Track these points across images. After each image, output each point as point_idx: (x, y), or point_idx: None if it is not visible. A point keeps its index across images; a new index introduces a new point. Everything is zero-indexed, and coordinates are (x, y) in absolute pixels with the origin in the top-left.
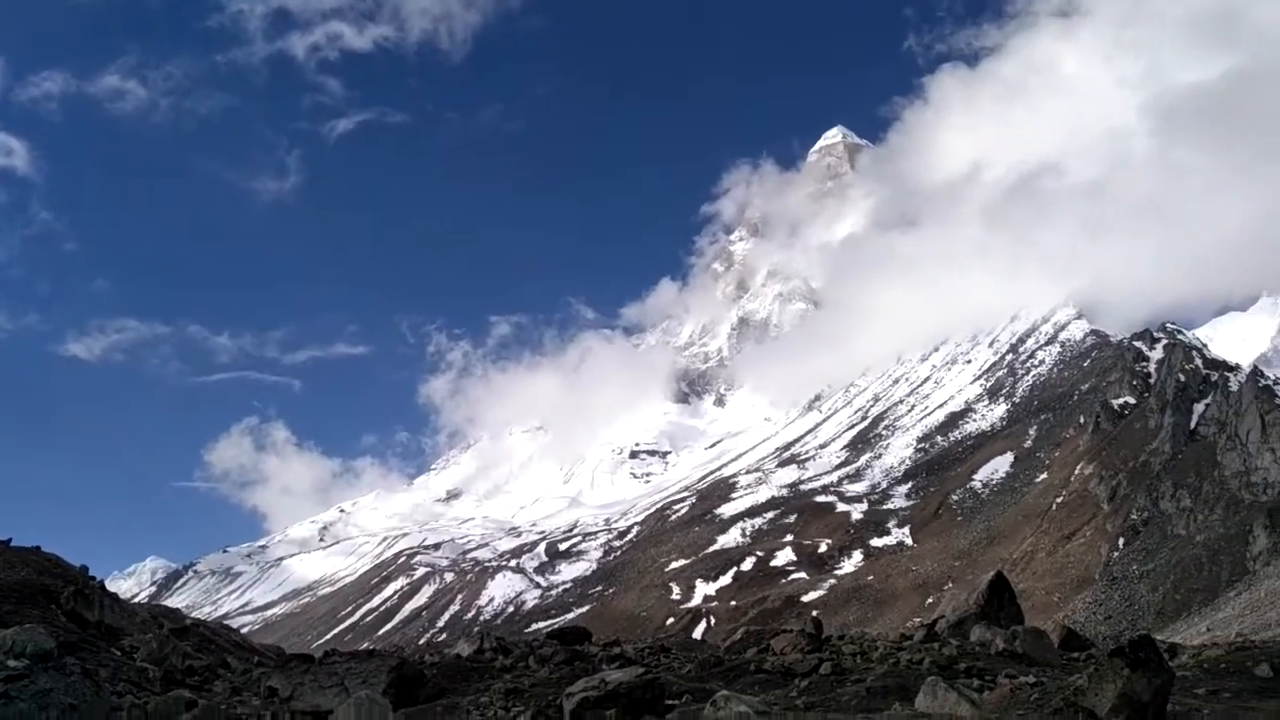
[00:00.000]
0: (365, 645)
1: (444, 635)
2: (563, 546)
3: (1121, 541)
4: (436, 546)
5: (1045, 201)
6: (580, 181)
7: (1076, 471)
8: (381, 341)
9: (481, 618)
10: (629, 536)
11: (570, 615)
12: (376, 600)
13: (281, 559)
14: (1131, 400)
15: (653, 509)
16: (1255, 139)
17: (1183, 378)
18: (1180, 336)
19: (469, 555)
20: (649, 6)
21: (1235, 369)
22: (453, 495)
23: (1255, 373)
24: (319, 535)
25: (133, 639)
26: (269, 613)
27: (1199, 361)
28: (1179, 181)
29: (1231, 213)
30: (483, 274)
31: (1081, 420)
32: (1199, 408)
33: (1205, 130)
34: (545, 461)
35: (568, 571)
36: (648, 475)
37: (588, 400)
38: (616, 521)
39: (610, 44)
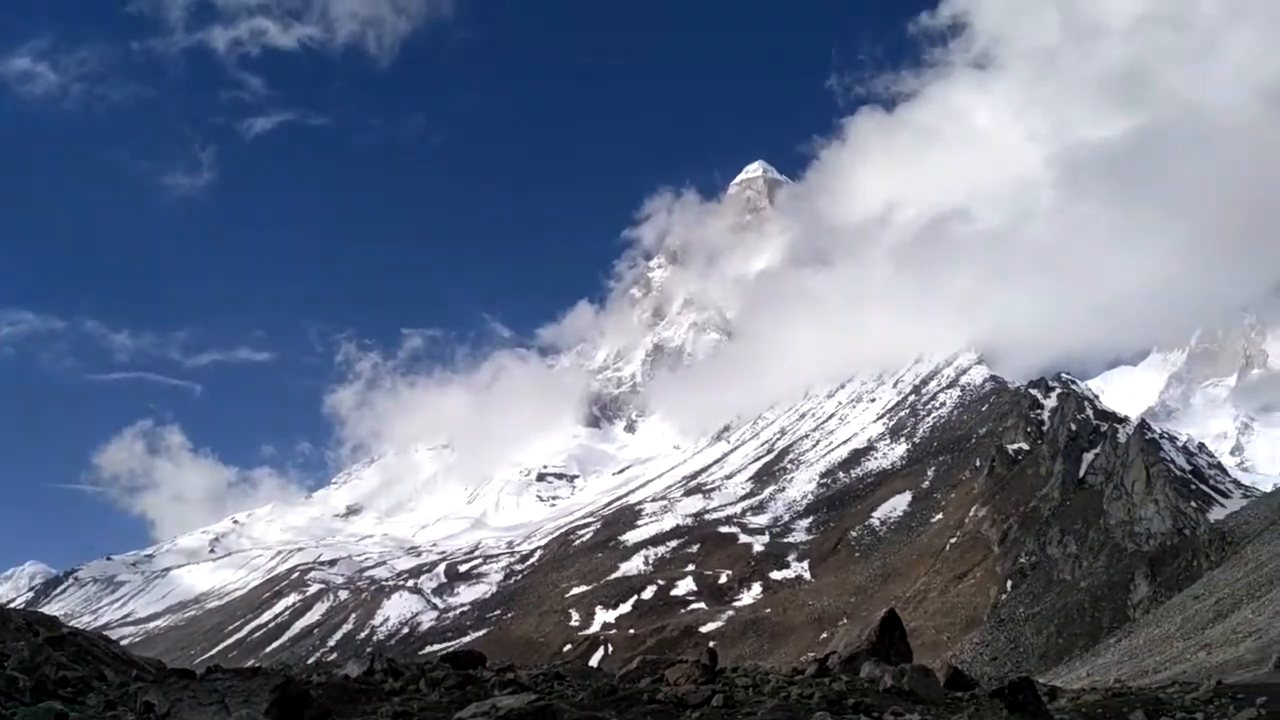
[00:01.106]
0: (251, 662)
1: (334, 655)
2: (463, 568)
3: (1010, 584)
4: (332, 563)
5: (953, 247)
6: (502, 198)
7: (971, 513)
8: (288, 348)
9: (375, 638)
10: (531, 560)
11: (467, 639)
12: (266, 616)
13: (169, 569)
14: (1025, 446)
15: (557, 533)
16: (1154, 198)
17: (1074, 427)
18: (1074, 386)
19: (365, 573)
20: (581, 29)
21: (1124, 421)
22: (353, 511)
23: (1143, 425)
24: (209, 546)
25: (4, 646)
26: (152, 625)
27: (1090, 412)
28: (1080, 235)
29: (1128, 269)
30: (398, 285)
31: (978, 463)
32: (1088, 457)
33: (1107, 186)
34: (450, 480)
35: (467, 594)
36: (554, 499)
37: (497, 420)
38: (519, 545)
39: (540, 62)
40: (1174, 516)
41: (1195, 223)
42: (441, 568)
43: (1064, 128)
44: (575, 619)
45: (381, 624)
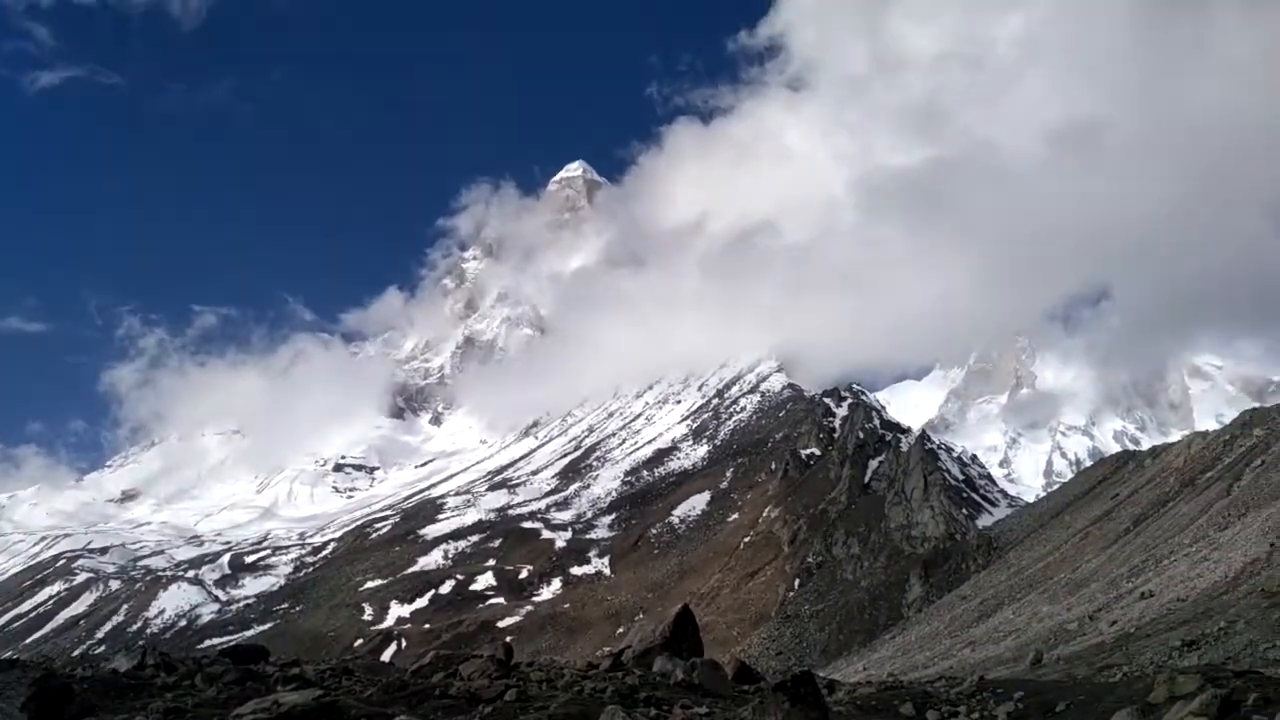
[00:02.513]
0: (9, 654)
1: (103, 648)
2: (249, 559)
3: (797, 582)
4: (104, 550)
5: (760, 258)
6: (311, 174)
7: (764, 514)
8: (63, 319)
9: (149, 631)
10: (324, 553)
11: (250, 633)
12: (27, 605)
13: None
14: (818, 451)
15: (352, 525)
16: (945, 225)
17: (862, 435)
18: (863, 397)
19: (141, 562)
20: (408, 8)
21: (907, 431)
22: (129, 496)
23: (923, 436)
24: None
25: None
26: None
27: (877, 422)
28: (876, 255)
29: (918, 289)
30: (190, 258)
31: (773, 466)
32: (873, 464)
33: (904, 211)
34: (239, 468)
35: (252, 586)
36: (351, 490)
37: (294, 406)
38: (312, 536)
39: (361, 39)
40: (947, 522)
41: (979, 251)
42: (225, 558)
43: (867, 153)
44: (368, 613)
45: (156, 616)
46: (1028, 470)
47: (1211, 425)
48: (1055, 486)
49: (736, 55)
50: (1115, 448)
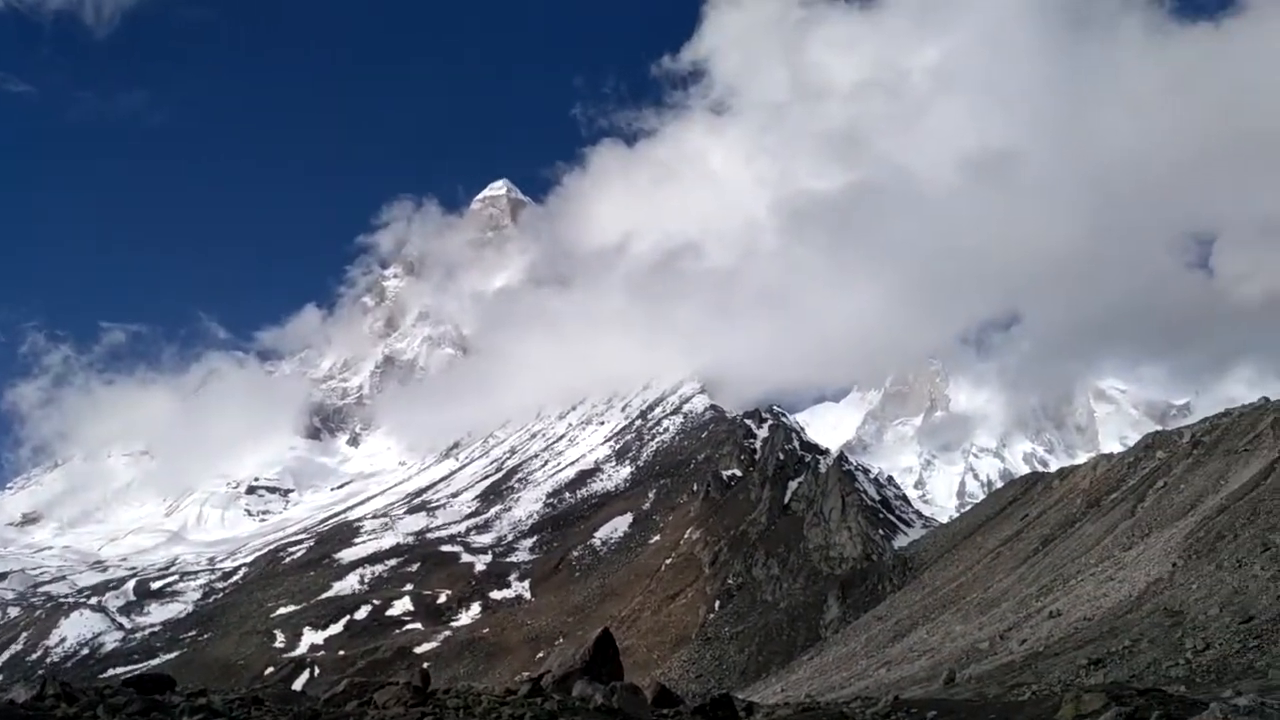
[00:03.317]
0: None
1: (0, 678)
2: (156, 585)
3: (718, 604)
4: (2, 576)
5: (684, 280)
6: (225, 187)
7: (686, 535)
8: None
9: (49, 660)
10: (234, 578)
11: (156, 661)
12: None
13: None
14: (739, 473)
15: (265, 550)
16: (864, 249)
17: (782, 456)
18: (784, 418)
19: (41, 589)
20: (329, 21)
21: (825, 453)
22: (30, 519)
23: (841, 458)
24: None
25: None
26: None
27: (797, 443)
28: (798, 278)
29: (837, 312)
30: (100, 273)
31: (695, 488)
32: (793, 485)
33: (824, 235)
34: (147, 490)
35: (159, 613)
36: (264, 513)
37: (205, 426)
38: (222, 561)
39: (281, 51)
40: (864, 543)
41: (896, 275)
42: (131, 584)
43: (788, 177)
44: (280, 640)
45: (57, 644)
46: (941, 491)
47: (1116, 448)
48: (968, 507)
49: (660, 79)
50: (1025, 469)
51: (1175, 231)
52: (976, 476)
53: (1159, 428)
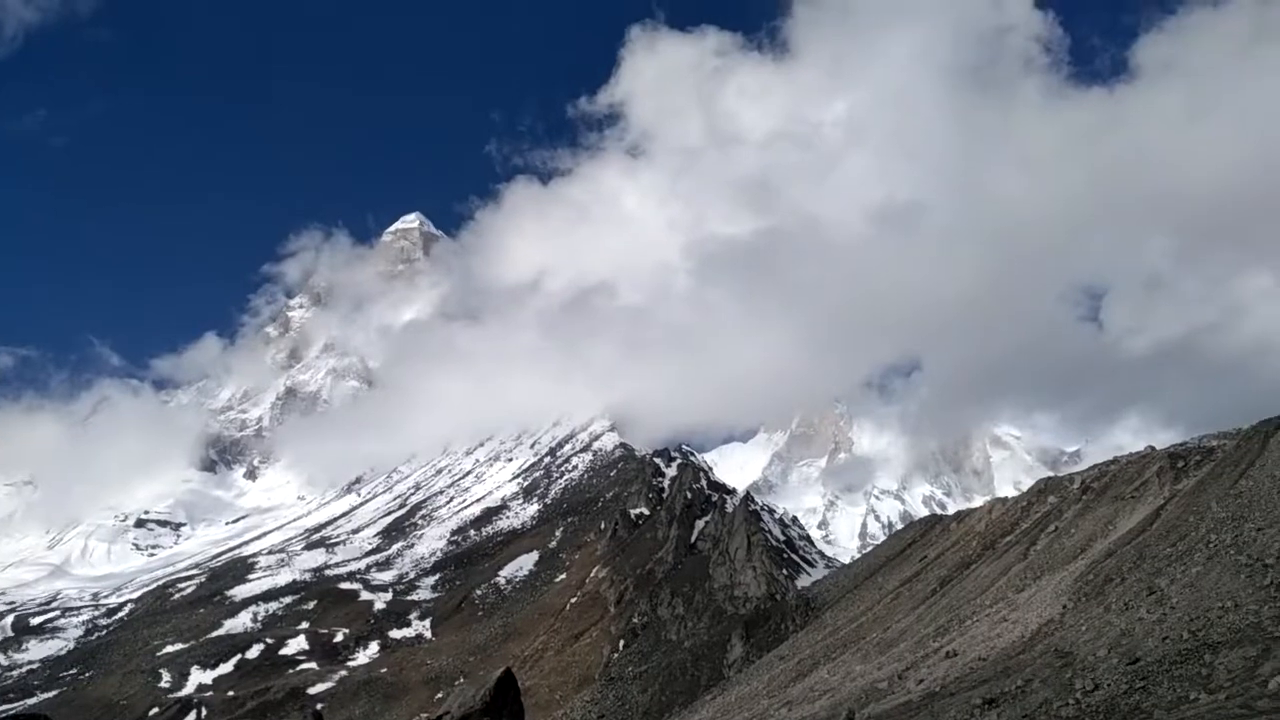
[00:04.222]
0: None
1: None
2: (35, 621)
3: (622, 643)
4: None
5: (596, 318)
6: (126, 211)
7: (592, 574)
8: None
9: None
10: (120, 614)
11: (34, 700)
12: None
13: None
14: (646, 511)
15: (153, 585)
16: (772, 294)
17: (689, 496)
18: (692, 458)
19: None
20: (240, 46)
21: (732, 492)
22: None
23: (747, 497)
24: None
25: None
26: None
27: (704, 482)
28: (708, 320)
29: (745, 355)
30: None
31: (603, 526)
32: (700, 524)
33: (734, 279)
34: (29, 521)
35: (37, 650)
36: (154, 548)
37: (94, 456)
38: (107, 596)
39: (186, 76)
40: (768, 582)
41: (804, 320)
42: (9, 620)
43: (701, 221)
44: (166, 679)
45: None
46: (844, 532)
47: (1011, 492)
48: (869, 548)
49: (576, 120)
50: (924, 511)
51: (1068, 285)
52: (878, 518)
53: (1051, 473)
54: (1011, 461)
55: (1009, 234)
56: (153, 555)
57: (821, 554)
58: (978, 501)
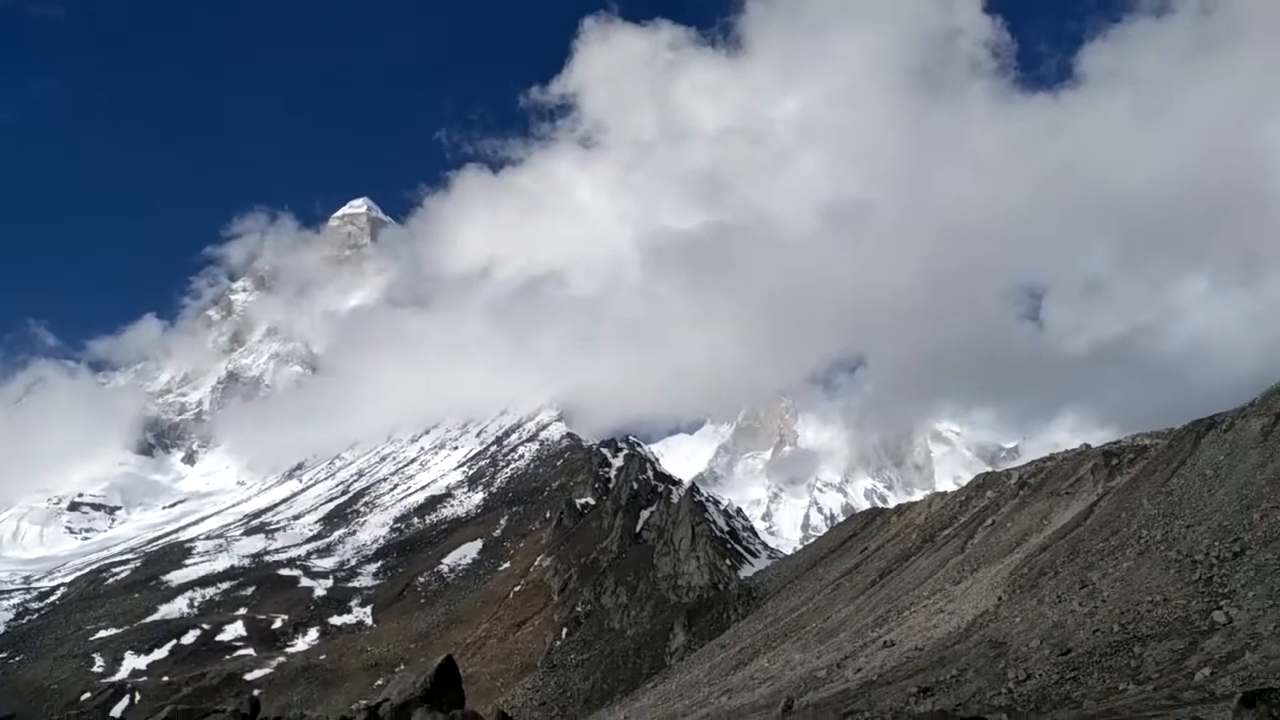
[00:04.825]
0: None
1: None
2: None
3: (565, 631)
4: None
5: (545, 308)
6: (68, 189)
7: (536, 563)
8: None
9: None
10: (52, 598)
11: None
12: None
13: None
14: (592, 501)
15: (87, 569)
16: (722, 288)
17: (635, 486)
18: (639, 449)
19: None
20: (187, 24)
21: (678, 483)
22: None
23: (693, 488)
24: None
25: None
26: None
27: (650, 473)
28: (657, 311)
29: (694, 347)
30: None
31: (548, 515)
32: (645, 514)
33: (684, 272)
34: None
35: None
36: (88, 531)
37: (28, 438)
38: (39, 580)
39: (138, 52)
40: (711, 572)
41: (752, 314)
42: None
43: (652, 214)
44: (99, 664)
45: None
46: (787, 523)
47: (950, 486)
48: (811, 539)
49: (528, 109)
50: (865, 504)
51: (1010, 285)
52: (820, 510)
53: (989, 469)
54: (952, 456)
55: (954, 234)
56: (87, 539)
57: (765, 545)
58: (918, 495)
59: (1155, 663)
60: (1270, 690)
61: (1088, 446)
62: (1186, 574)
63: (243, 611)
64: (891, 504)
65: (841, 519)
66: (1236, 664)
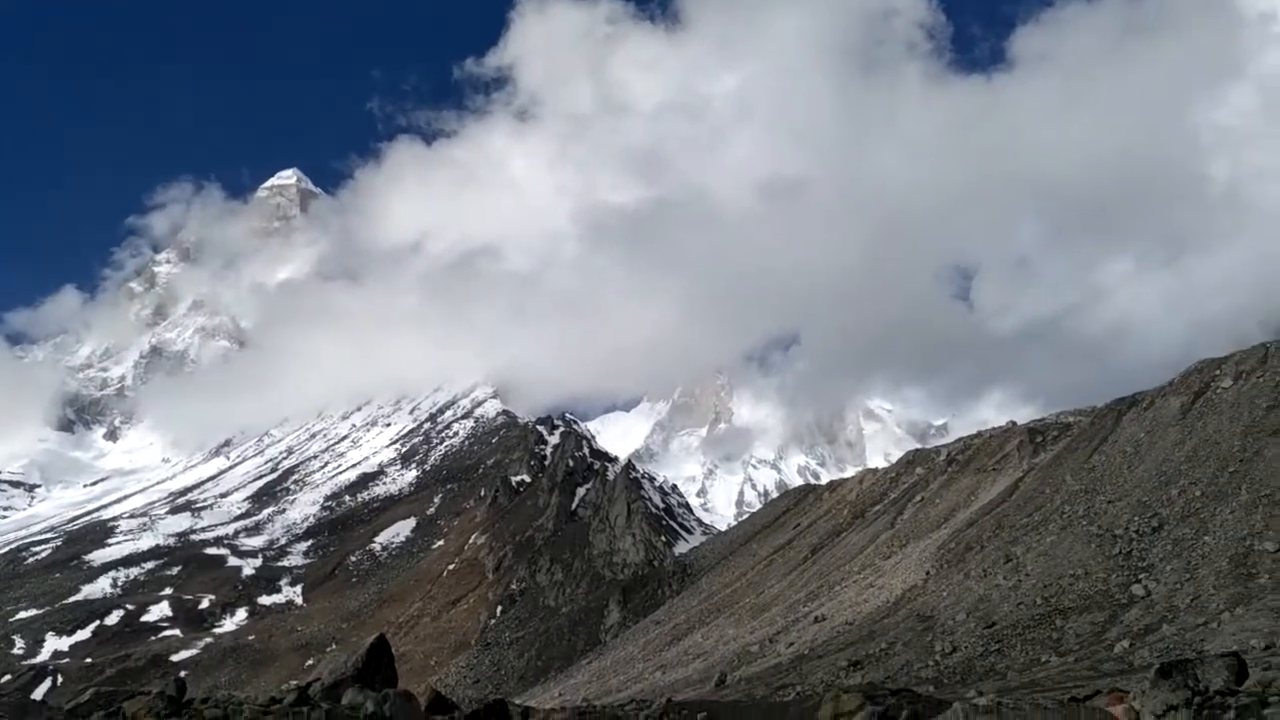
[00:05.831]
0: None
1: None
2: None
3: (500, 609)
4: None
5: (480, 282)
6: None
7: (471, 541)
8: None
9: None
10: None
11: None
12: None
13: None
14: (528, 479)
15: (5, 549)
16: (659, 264)
17: (571, 463)
18: (575, 426)
19: None
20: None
21: (614, 460)
22: None
23: (629, 465)
24: None
25: None
26: None
27: (587, 450)
28: (594, 287)
29: (630, 323)
30: None
31: (483, 493)
32: (581, 491)
33: (621, 247)
34: None
35: None
36: (6, 510)
37: None
38: None
39: (58, 15)
40: (647, 549)
41: (688, 291)
42: None
43: (590, 189)
44: (19, 646)
45: None
46: (722, 500)
47: (881, 463)
48: (745, 516)
49: (463, 81)
50: (799, 481)
51: (942, 264)
52: (754, 486)
53: (919, 446)
54: (883, 434)
55: (888, 213)
56: (5, 518)
57: (700, 521)
58: (850, 472)
59: (1076, 635)
60: (1186, 661)
61: (1014, 424)
62: (1107, 548)
63: (168, 591)
64: (824, 480)
65: (775, 495)
66: (1154, 635)
